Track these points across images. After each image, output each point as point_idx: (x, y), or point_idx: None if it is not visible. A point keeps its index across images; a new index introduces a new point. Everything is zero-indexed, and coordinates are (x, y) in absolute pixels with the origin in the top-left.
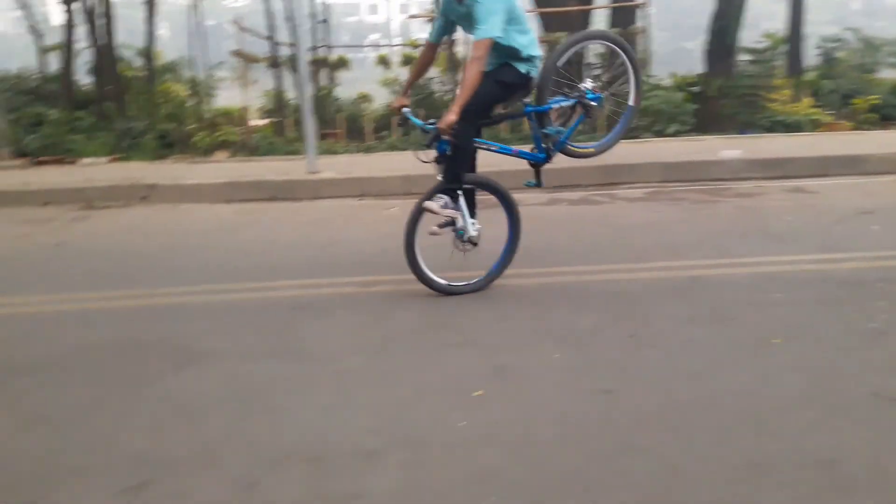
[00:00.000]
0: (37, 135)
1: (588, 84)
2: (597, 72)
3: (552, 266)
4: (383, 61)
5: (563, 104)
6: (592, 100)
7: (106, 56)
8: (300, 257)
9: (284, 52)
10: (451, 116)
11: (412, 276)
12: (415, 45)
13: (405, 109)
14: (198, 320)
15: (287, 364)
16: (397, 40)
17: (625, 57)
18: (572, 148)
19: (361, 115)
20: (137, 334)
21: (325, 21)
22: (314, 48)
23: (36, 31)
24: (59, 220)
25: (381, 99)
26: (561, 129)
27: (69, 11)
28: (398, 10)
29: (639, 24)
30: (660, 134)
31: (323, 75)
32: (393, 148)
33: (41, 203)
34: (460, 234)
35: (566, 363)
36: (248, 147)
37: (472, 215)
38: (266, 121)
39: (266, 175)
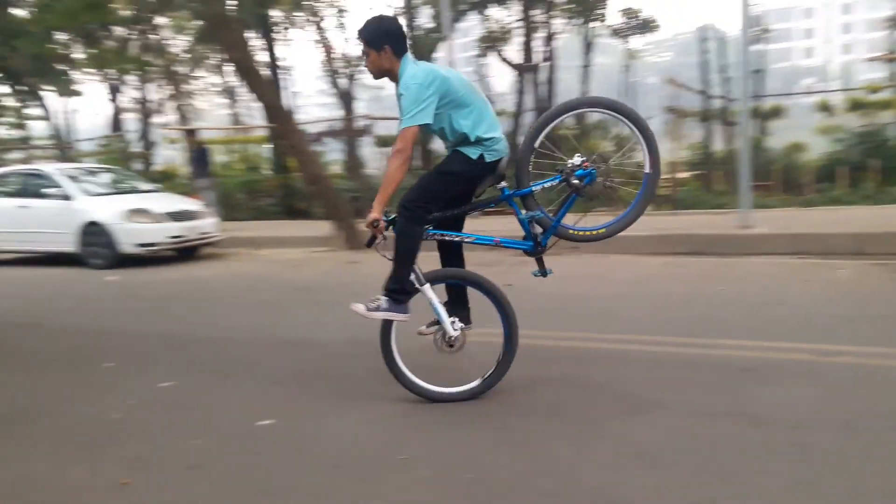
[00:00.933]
0: (491, 188)
1: (577, 160)
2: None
3: None
4: (825, 107)
5: (547, 185)
6: (582, 176)
7: None
8: (737, 315)
9: (713, 104)
10: (373, 214)
11: (877, 349)
12: (874, 90)
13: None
14: (641, 369)
15: (741, 427)
16: (835, 84)
17: (626, 121)
18: (574, 232)
19: (796, 165)
20: (583, 374)
21: (759, 70)
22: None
23: (489, 100)
24: (506, 264)
25: (819, 148)
26: (541, 212)
27: (521, 80)
28: (838, 52)
29: None
30: None
31: (753, 125)
32: (836, 202)
33: (487, 248)
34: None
35: None
36: (673, 200)
37: (463, 316)
38: (689, 174)
39: (693, 229)
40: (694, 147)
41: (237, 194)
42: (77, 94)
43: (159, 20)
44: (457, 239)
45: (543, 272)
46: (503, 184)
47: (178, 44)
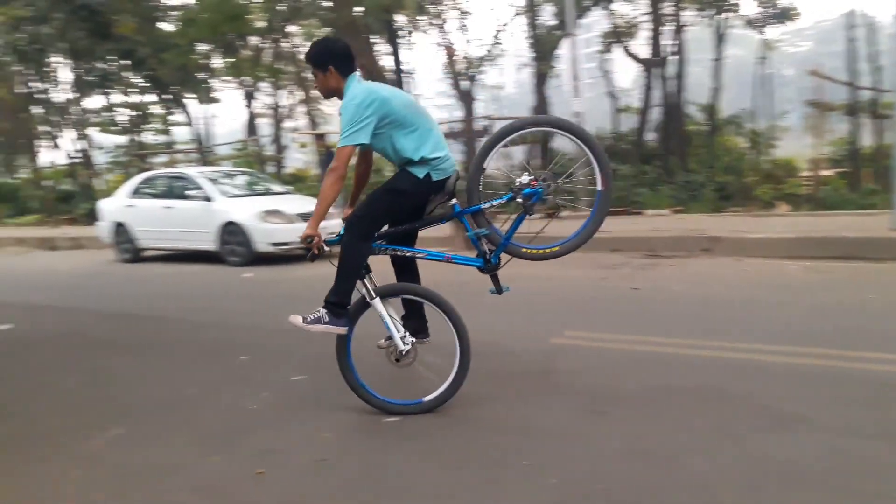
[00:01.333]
0: None
1: (524, 178)
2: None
3: None
4: None
5: (495, 203)
6: (529, 195)
7: (673, 114)
8: (889, 327)
9: (861, 95)
10: (307, 230)
11: None
12: None
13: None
14: (781, 382)
15: None
16: None
17: (575, 139)
18: (526, 250)
19: None
20: (718, 385)
21: None
22: None
23: (612, 96)
24: (630, 267)
25: None
26: (490, 230)
27: (648, 76)
28: None
29: None
30: None
31: None
32: None
33: (612, 250)
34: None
35: None
36: (815, 200)
37: (419, 329)
38: (833, 171)
39: (839, 231)
40: (838, 143)
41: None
42: (216, 101)
43: (291, 29)
44: (408, 255)
45: (498, 290)
46: (454, 201)
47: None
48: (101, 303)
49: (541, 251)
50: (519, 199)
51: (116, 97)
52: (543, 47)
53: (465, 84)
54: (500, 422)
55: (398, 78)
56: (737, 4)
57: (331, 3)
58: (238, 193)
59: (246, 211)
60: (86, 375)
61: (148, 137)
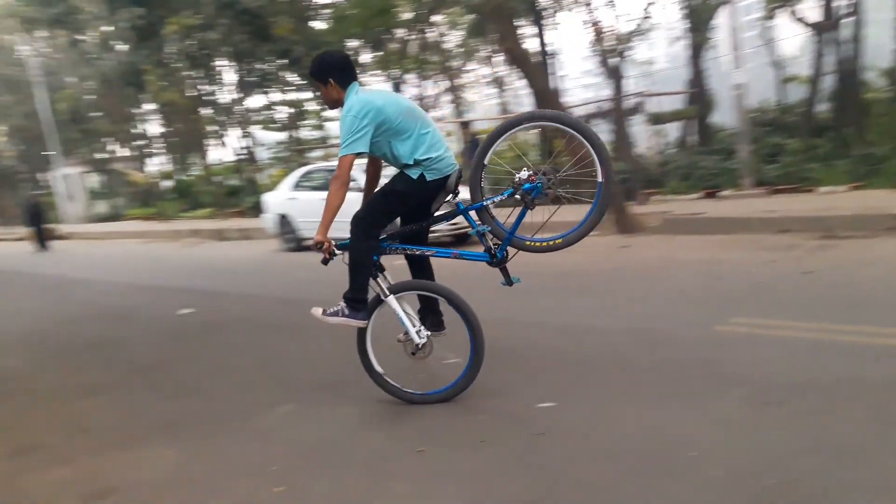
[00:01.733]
0: (775, 164)
1: (524, 174)
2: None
3: None
4: None
5: (497, 199)
6: (529, 190)
7: (848, 81)
8: None
9: None
10: (317, 236)
11: None
12: None
13: None
14: None
15: None
16: None
17: (572, 131)
18: (530, 243)
19: None
20: None
21: None
22: None
23: (777, 65)
24: (802, 249)
25: None
26: (494, 225)
27: (818, 41)
28: None
29: None
30: None
31: None
32: None
33: (780, 230)
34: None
35: None
36: None
37: (435, 323)
38: None
39: None
40: None
41: (504, 182)
42: None
43: (435, 18)
44: (417, 252)
45: (509, 282)
46: (458, 198)
47: (452, 39)
48: (270, 289)
49: (545, 244)
50: (519, 195)
51: (275, 96)
52: (698, 17)
53: (613, 61)
54: (663, 411)
55: (543, 60)
56: None
57: None
58: None
59: None
60: (259, 356)
61: (304, 133)
